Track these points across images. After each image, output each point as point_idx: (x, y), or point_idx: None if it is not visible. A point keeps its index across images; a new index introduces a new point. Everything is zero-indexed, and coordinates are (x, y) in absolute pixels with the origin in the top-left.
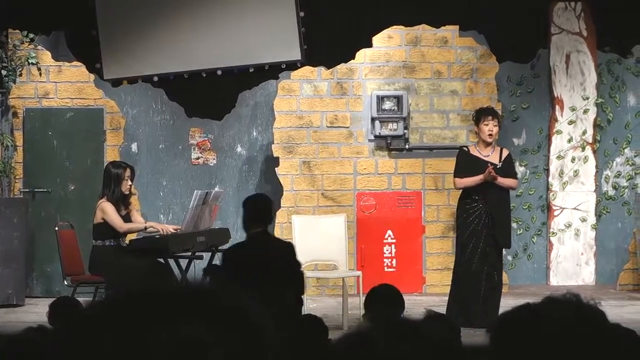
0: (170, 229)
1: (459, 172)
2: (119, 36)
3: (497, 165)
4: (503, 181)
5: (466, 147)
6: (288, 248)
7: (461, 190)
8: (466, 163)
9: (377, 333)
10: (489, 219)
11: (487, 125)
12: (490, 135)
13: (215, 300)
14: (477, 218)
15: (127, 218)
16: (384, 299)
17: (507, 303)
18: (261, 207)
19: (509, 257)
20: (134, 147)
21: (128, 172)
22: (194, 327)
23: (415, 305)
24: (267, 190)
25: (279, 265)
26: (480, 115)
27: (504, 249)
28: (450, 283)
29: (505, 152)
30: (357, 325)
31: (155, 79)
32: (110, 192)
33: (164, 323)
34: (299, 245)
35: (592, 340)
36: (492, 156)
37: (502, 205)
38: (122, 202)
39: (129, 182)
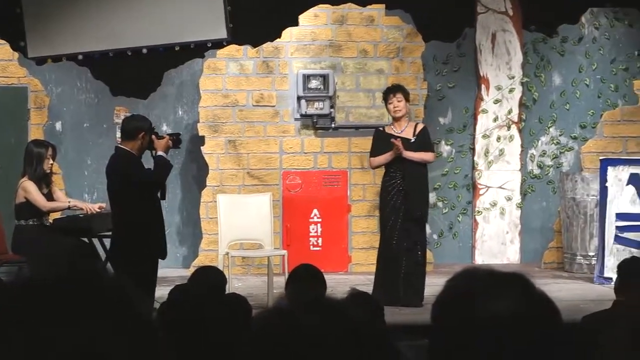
0: (94, 207)
1: (373, 152)
2: (44, 14)
3: (410, 139)
4: (413, 155)
5: (382, 127)
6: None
7: (383, 169)
8: (380, 142)
9: (296, 309)
10: (405, 194)
11: (392, 103)
12: (396, 111)
13: (121, 301)
14: (396, 195)
15: (49, 196)
16: (304, 279)
17: (432, 282)
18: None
19: (435, 236)
20: (58, 125)
21: (50, 151)
22: (98, 329)
23: (341, 284)
24: (192, 169)
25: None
26: (385, 96)
27: (427, 225)
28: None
29: (419, 127)
30: (276, 301)
31: (80, 57)
32: (32, 171)
33: (66, 323)
34: (225, 224)
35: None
36: (406, 131)
37: (416, 179)
38: (43, 181)
39: (51, 161)
